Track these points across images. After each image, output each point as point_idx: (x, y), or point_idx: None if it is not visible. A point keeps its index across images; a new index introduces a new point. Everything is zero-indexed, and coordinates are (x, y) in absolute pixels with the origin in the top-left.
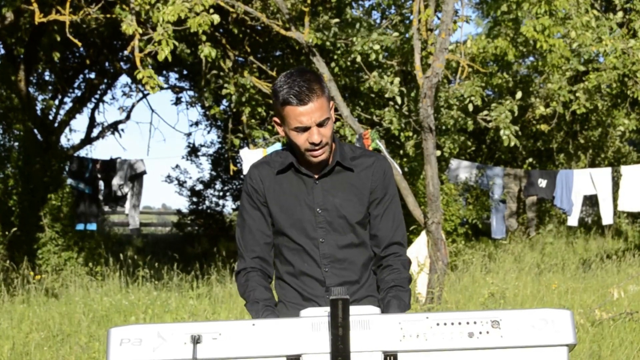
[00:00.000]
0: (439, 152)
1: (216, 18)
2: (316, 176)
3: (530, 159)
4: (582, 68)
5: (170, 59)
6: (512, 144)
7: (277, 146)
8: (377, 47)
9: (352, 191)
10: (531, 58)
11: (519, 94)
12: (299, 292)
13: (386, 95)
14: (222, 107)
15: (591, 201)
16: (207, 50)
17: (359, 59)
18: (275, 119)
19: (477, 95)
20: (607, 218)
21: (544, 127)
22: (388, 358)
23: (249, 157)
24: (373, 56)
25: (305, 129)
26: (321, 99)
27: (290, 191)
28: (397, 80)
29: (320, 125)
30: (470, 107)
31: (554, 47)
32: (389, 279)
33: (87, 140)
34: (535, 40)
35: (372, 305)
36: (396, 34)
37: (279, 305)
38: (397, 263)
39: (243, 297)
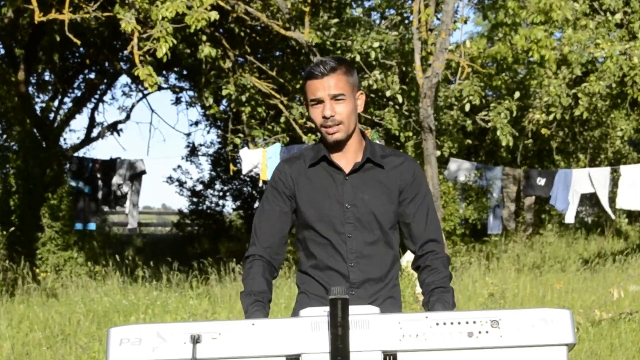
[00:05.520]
0: (438, 153)
1: (213, 14)
2: (346, 171)
3: (530, 160)
4: (579, 72)
5: (169, 55)
6: (510, 143)
7: (277, 146)
8: (376, 44)
9: (380, 188)
10: (531, 58)
11: (517, 94)
12: (323, 285)
13: (387, 94)
14: (222, 107)
15: (591, 201)
16: (207, 50)
17: (358, 58)
18: (305, 102)
19: (475, 94)
20: (610, 213)
21: (544, 131)
22: (387, 358)
23: (249, 157)
24: (373, 55)
25: (320, 102)
26: (340, 77)
27: (320, 186)
28: (396, 78)
29: (334, 99)
30: (468, 107)
31: (545, 57)
32: (429, 281)
33: (87, 140)
34: (528, 49)
35: (393, 307)
36: (395, 32)
37: (301, 296)
38: (435, 262)
39: (242, 283)
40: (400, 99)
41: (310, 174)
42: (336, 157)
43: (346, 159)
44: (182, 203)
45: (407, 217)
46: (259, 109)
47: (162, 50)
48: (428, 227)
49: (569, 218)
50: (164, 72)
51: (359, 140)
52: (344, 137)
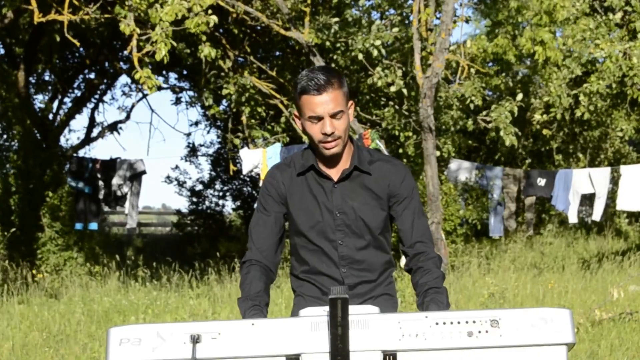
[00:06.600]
0: (438, 153)
1: (214, 19)
2: (335, 179)
3: (530, 160)
4: (579, 72)
5: (168, 58)
6: (514, 142)
7: (277, 146)
8: (378, 42)
9: (369, 195)
10: (527, 60)
11: (519, 96)
12: (318, 287)
13: (392, 89)
14: (222, 107)
15: (591, 201)
16: (206, 50)
17: (360, 56)
18: (295, 112)
19: (477, 95)
20: (596, 215)
21: (545, 132)
22: (387, 357)
23: (249, 157)
24: (375, 53)
25: (319, 119)
26: (337, 92)
27: (310, 194)
28: (399, 73)
29: (333, 116)
30: (472, 107)
31: (551, 58)
32: (422, 282)
33: (87, 140)
34: (533, 52)
35: (387, 304)
36: (396, 29)
37: (298, 299)
38: (427, 263)
39: (240, 289)
40: (406, 92)
41: (300, 181)
42: (324, 165)
43: (335, 167)
44: (181, 203)
45: (395, 220)
46: (259, 109)
47: (162, 53)
48: (415, 229)
49: (572, 218)
50: (164, 72)
51: (348, 146)
52: (340, 150)
